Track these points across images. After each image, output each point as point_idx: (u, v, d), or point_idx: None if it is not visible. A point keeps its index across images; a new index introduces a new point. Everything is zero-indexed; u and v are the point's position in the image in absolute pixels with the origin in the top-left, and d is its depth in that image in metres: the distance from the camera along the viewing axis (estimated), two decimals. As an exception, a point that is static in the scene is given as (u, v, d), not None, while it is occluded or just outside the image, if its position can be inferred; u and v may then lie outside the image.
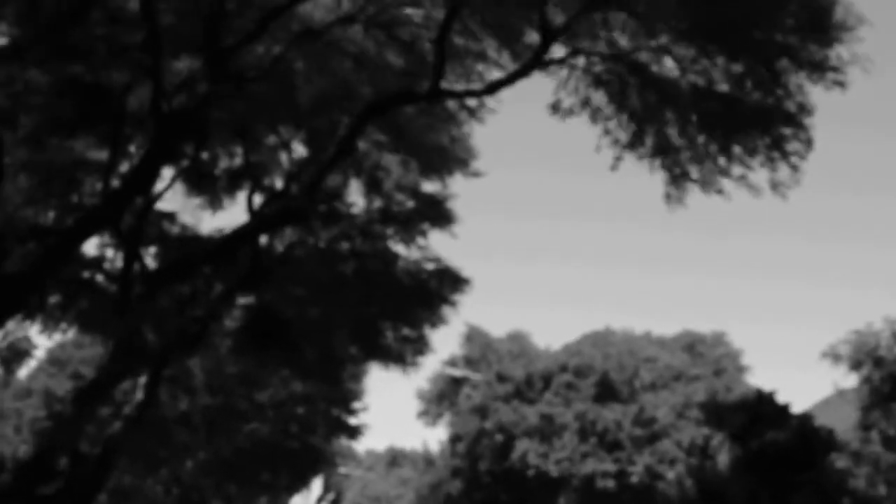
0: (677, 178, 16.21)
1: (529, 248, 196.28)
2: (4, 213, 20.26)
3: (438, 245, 25.88)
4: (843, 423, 23.25)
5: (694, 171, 16.19)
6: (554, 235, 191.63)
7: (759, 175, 16.37)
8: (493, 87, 17.95)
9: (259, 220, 21.70)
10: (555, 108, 17.24)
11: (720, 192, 16.38)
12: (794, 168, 15.66)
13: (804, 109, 15.52)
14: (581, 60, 16.68)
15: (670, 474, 29.06)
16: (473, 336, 39.89)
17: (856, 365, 23.25)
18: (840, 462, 22.46)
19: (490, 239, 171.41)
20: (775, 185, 15.76)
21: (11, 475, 19.27)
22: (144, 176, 18.85)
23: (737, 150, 15.71)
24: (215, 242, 21.80)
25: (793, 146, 15.59)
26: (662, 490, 29.34)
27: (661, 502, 30.10)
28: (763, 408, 23.85)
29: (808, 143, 15.63)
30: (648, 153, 16.15)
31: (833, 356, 23.22)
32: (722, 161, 15.99)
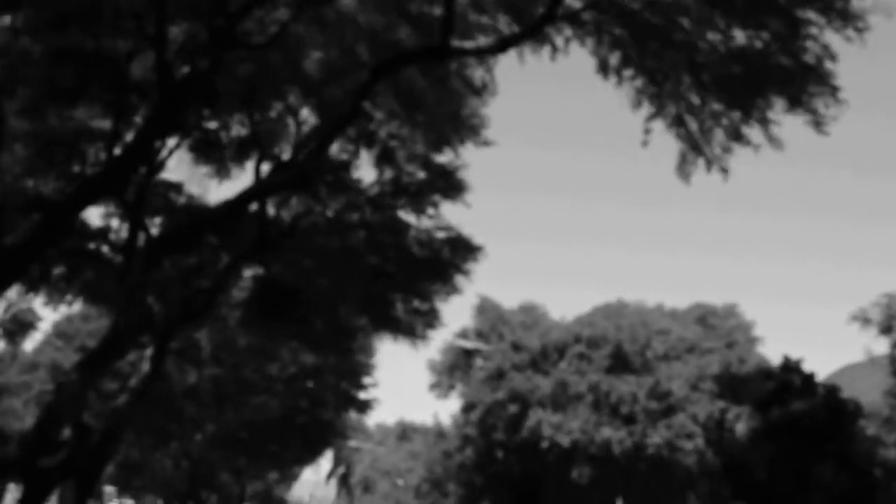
0: (692, 151, 15.74)
1: (541, 224, 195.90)
2: (4, 184, 19.83)
3: (450, 218, 25.38)
4: (870, 392, 22.78)
5: (709, 143, 15.69)
6: (565, 212, 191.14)
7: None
8: (505, 44, 17.36)
9: (264, 185, 21.15)
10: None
11: (724, 170, 15.94)
12: (819, 120, 14.89)
13: (826, 59, 14.86)
14: (592, 15, 16.10)
15: (688, 446, 28.69)
16: (485, 308, 39.51)
17: (886, 329, 22.77)
18: (870, 430, 21.99)
19: (502, 216, 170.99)
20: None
21: (16, 447, 18.98)
22: (147, 143, 18.41)
23: (756, 112, 15.15)
24: (219, 207, 21.27)
25: (819, 101, 14.94)
26: (681, 461, 29.00)
27: (680, 473, 29.76)
28: (789, 376, 23.21)
29: (835, 93, 14.94)
30: (669, 123, 15.64)
31: (863, 319, 22.64)
32: (741, 126, 15.47)
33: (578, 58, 20.18)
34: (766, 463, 21.43)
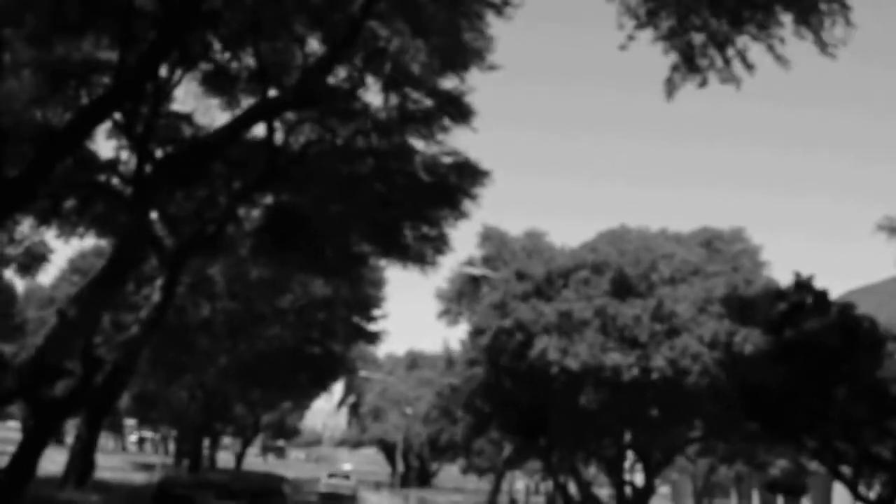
0: (687, 63, 15.48)
1: (544, 156, 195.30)
2: (12, 113, 19.95)
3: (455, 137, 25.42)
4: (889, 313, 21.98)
5: (707, 56, 15.44)
6: (566, 145, 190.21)
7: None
8: None
9: (268, 103, 21.20)
10: None
11: (730, 80, 15.60)
12: (826, 42, 14.52)
13: None
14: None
15: (695, 367, 28.93)
16: (490, 235, 39.65)
17: None
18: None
19: (504, 147, 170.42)
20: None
21: (14, 375, 19.18)
22: (149, 66, 18.43)
23: (752, 29, 14.92)
24: (223, 128, 21.32)
25: (827, 21, 14.51)
26: (687, 383, 29.23)
27: (690, 395, 29.97)
28: (801, 295, 22.55)
29: (845, 13, 14.41)
30: (663, 34, 15.39)
31: (889, 229, 21.98)
32: (739, 42, 15.21)
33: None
34: (779, 384, 20.96)
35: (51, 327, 19.63)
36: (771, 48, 14.92)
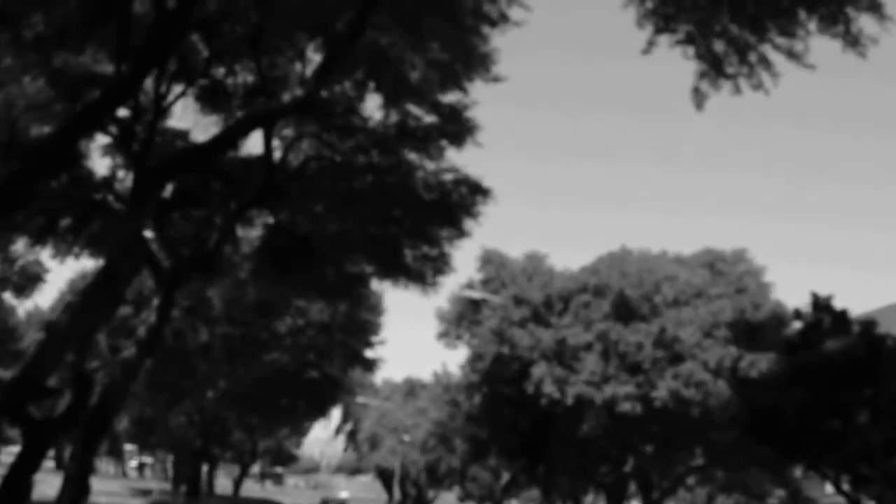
0: (715, 69, 15.01)
1: (543, 181, 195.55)
2: (9, 119, 19.60)
3: (456, 156, 25.12)
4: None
5: (730, 63, 15.02)
6: (567, 170, 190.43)
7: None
8: None
9: (263, 111, 20.76)
10: None
11: (759, 87, 15.18)
12: (856, 40, 13.94)
13: None
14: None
15: (699, 395, 28.44)
16: (490, 258, 39.25)
17: None
18: None
19: (506, 171, 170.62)
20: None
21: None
22: (139, 75, 18.02)
23: (774, 36, 14.49)
24: (218, 137, 20.86)
25: (859, 18, 13.90)
26: (690, 411, 28.76)
27: (693, 422, 29.47)
28: (819, 315, 21.80)
29: (879, 9, 13.80)
30: (681, 39, 14.97)
31: None
32: (763, 48, 14.76)
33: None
34: (795, 408, 20.20)
35: (38, 343, 19.11)
36: (793, 55, 14.48)
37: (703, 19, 14.69)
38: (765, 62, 14.97)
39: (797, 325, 22.93)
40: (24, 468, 19.72)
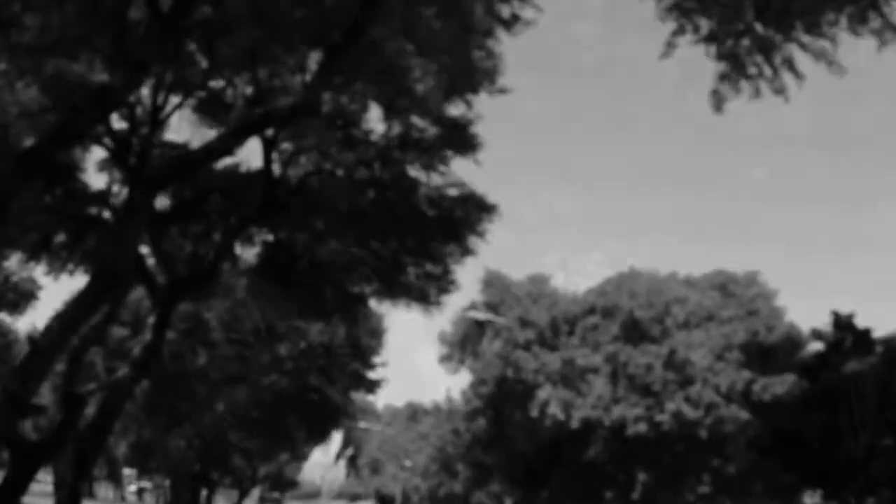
0: (736, 70, 14.35)
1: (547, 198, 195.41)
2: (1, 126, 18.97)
3: (460, 170, 24.37)
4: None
5: (753, 63, 14.35)
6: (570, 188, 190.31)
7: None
8: None
9: (264, 115, 20.07)
10: None
11: (781, 91, 14.52)
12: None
13: None
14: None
15: (707, 420, 27.69)
16: (492, 281, 38.53)
17: None
18: None
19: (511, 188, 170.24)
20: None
21: None
22: (130, 82, 17.40)
23: (801, 35, 13.83)
24: (212, 142, 20.17)
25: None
26: (703, 436, 27.98)
27: (702, 447, 28.71)
28: (840, 335, 21.02)
29: None
30: (703, 37, 14.29)
31: None
32: (788, 48, 14.09)
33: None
34: (817, 433, 19.44)
35: (23, 357, 18.35)
36: (821, 55, 13.80)
37: (726, 15, 14.03)
38: (789, 64, 14.31)
39: (814, 346, 22.24)
40: (11, 491, 18.96)
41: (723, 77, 14.64)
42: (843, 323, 21.18)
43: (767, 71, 14.38)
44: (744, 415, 27.56)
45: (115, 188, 25.13)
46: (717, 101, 14.82)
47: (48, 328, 18.02)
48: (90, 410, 23.61)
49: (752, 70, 14.42)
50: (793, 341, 26.80)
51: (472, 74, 20.25)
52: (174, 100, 22.94)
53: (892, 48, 13.88)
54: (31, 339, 18.34)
